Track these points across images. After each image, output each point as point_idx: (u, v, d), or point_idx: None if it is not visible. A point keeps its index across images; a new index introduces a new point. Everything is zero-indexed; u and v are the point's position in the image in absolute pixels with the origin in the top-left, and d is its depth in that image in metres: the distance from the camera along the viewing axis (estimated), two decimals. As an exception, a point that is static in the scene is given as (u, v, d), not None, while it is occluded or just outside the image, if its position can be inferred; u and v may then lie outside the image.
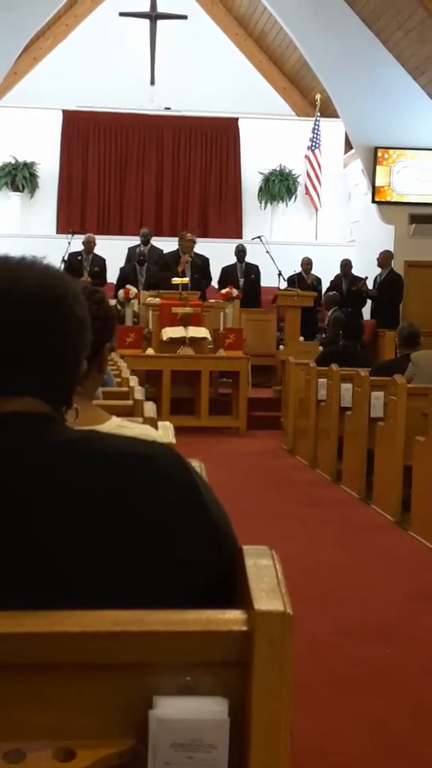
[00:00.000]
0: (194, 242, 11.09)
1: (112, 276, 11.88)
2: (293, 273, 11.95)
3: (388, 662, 3.37)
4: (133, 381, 4.21)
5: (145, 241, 12.16)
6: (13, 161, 14.15)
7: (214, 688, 0.96)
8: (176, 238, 11.62)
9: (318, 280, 12.02)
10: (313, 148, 14.39)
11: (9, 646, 0.94)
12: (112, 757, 0.94)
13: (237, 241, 13.12)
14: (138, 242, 12.24)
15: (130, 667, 0.95)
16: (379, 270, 12.00)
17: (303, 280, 11.73)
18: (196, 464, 1.20)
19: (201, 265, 11.27)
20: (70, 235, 12.10)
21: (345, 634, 3.65)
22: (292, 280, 11.67)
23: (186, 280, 10.05)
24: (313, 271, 12.19)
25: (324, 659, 3.36)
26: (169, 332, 9.36)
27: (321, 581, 4.35)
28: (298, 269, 12.09)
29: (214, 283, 11.81)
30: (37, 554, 1.01)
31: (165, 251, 11.63)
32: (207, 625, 0.96)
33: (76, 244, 11.98)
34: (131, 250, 12.22)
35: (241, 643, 0.95)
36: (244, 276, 12.03)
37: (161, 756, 0.93)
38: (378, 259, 11.94)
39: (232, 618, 0.97)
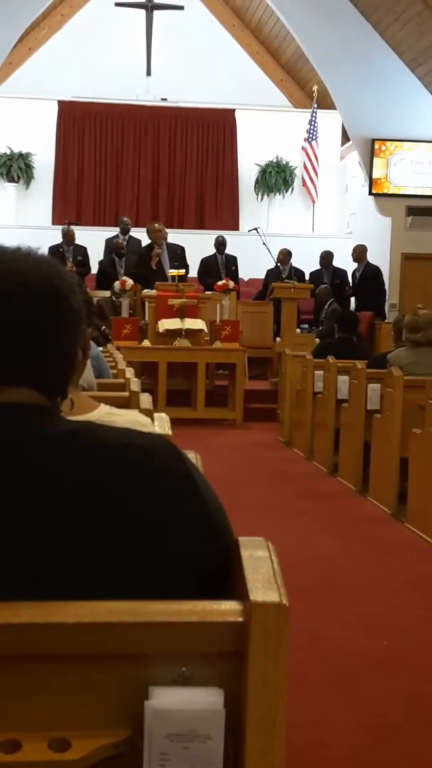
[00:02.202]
0: (163, 231, 10.95)
1: (96, 266, 11.85)
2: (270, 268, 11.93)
3: (383, 654, 3.38)
4: (129, 372, 4.20)
5: (124, 231, 12.09)
6: (8, 152, 14.12)
7: (210, 678, 0.96)
8: (172, 230, 11.58)
9: (301, 273, 11.92)
10: (310, 139, 14.37)
11: (4, 636, 0.94)
12: (107, 748, 0.95)
13: (233, 233, 13.09)
14: (116, 233, 12.16)
15: (126, 658, 0.96)
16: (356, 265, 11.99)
17: (279, 275, 11.64)
18: (192, 456, 1.20)
19: (178, 254, 11.17)
20: (65, 227, 12.09)
21: (341, 626, 3.66)
22: (269, 274, 11.65)
23: (182, 272, 10.03)
24: (310, 263, 12.11)
25: (319, 651, 3.37)
26: (166, 324, 9.35)
27: (317, 573, 4.36)
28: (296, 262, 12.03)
29: (192, 273, 11.68)
30: (34, 546, 1.01)
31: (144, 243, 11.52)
32: (203, 616, 0.96)
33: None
34: (109, 242, 12.10)
35: (237, 634, 0.95)
36: (225, 268, 11.95)
37: (157, 746, 0.93)
38: (353, 254, 11.94)
39: (227, 609, 0.97)
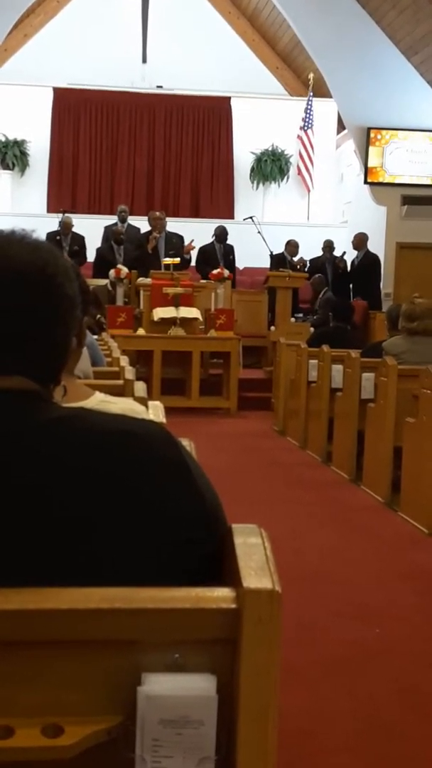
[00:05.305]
0: (163, 220, 11.01)
1: (93, 254, 11.83)
2: (275, 253, 11.93)
3: (376, 642, 3.39)
4: (124, 361, 4.20)
5: (122, 219, 12.08)
6: (3, 139, 14.06)
7: (203, 665, 0.96)
8: (167, 218, 11.57)
9: (304, 263, 11.96)
10: (305, 128, 14.33)
11: (-3, 623, 0.94)
12: (100, 734, 0.95)
13: (228, 222, 13.07)
14: (114, 221, 12.15)
15: (119, 644, 0.96)
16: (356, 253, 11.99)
17: (283, 261, 11.67)
18: (185, 443, 1.20)
19: (174, 242, 11.16)
20: (61, 215, 12.04)
21: (334, 615, 3.67)
22: (275, 261, 11.66)
23: (177, 260, 10.01)
24: (305, 252, 12.11)
25: (312, 639, 3.38)
26: (160, 312, 9.33)
27: (310, 562, 4.37)
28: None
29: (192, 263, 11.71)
30: (30, 532, 1.01)
31: (143, 230, 11.56)
32: (196, 603, 0.96)
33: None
34: (107, 230, 12.09)
35: (230, 620, 0.95)
36: (223, 257, 11.97)
37: (149, 732, 0.93)
38: (353, 241, 11.96)
39: (221, 596, 0.97)
